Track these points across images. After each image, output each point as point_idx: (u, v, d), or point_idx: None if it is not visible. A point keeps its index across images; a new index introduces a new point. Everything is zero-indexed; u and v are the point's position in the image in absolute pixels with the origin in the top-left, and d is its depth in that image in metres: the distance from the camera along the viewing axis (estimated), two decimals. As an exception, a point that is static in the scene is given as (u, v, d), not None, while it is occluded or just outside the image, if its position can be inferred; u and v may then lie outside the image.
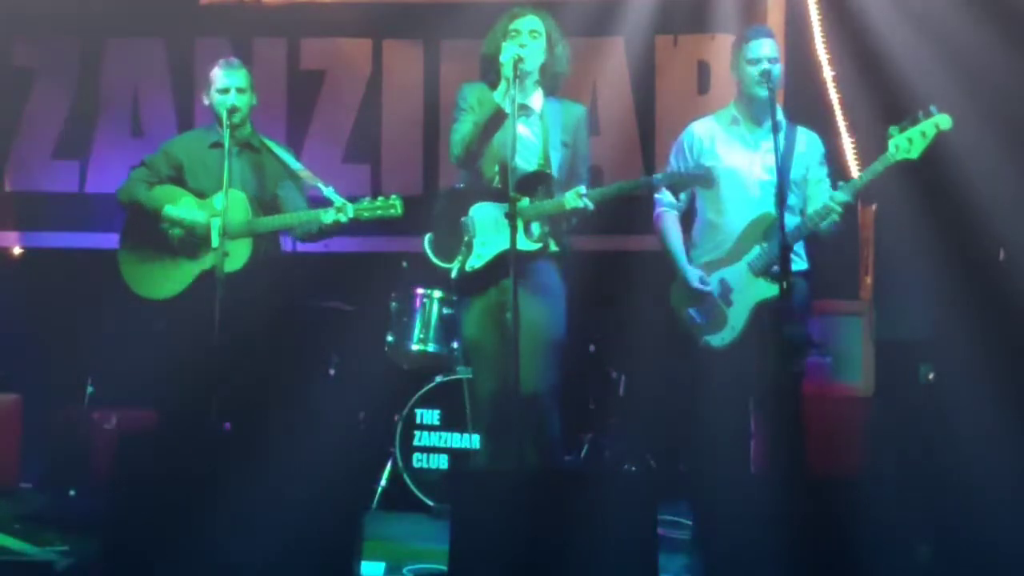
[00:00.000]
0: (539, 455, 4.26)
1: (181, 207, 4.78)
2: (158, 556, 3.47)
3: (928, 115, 4.25)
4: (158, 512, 3.51)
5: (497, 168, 4.37)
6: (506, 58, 4.22)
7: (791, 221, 4.36)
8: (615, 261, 5.94)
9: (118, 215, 5.05)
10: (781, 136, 4.35)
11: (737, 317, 4.42)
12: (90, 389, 5.86)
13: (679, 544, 4.61)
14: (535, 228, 4.33)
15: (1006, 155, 5.30)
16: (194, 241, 4.75)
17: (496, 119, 4.29)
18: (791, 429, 4.38)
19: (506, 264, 4.08)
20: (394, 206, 4.63)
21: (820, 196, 4.45)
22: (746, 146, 4.53)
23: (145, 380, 5.01)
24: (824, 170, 4.59)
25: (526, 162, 4.36)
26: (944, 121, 4.25)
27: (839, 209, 4.31)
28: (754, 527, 3.49)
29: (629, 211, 5.38)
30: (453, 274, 4.37)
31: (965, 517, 3.98)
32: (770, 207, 4.36)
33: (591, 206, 4.28)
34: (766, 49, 4.45)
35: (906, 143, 4.25)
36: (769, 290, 4.34)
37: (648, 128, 6.26)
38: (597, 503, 3.52)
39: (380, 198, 4.67)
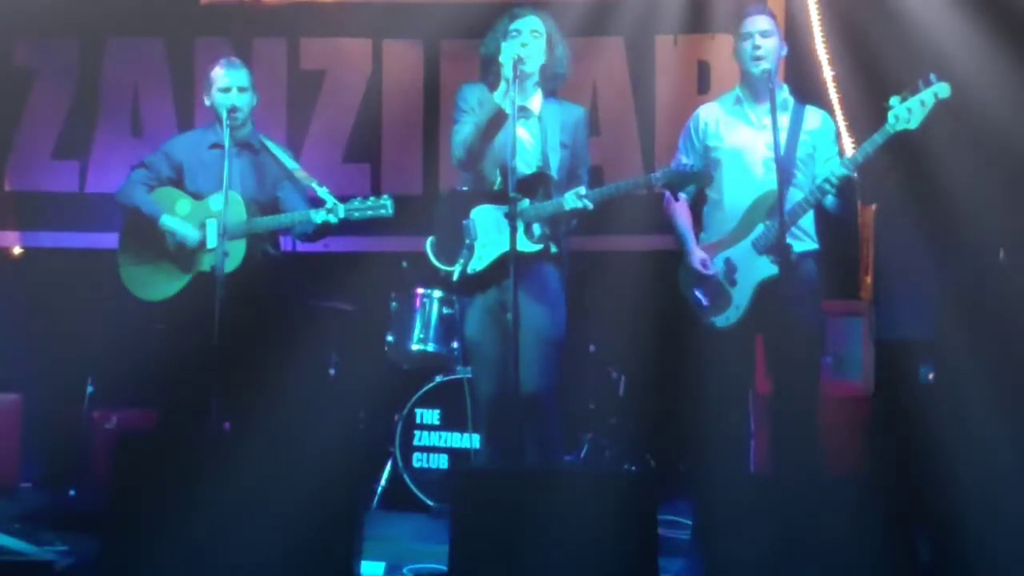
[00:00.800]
0: (539, 455, 4.26)
1: (177, 221, 4.79)
2: (158, 556, 3.47)
3: (928, 84, 4.22)
4: (158, 512, 3.51)
5: (498, 170, 4.37)
6: (506, 58, 4.22)
7: (796, 197, 4.34)
8: (615, 261, 5.94)
9: (117, 215, 5.05)
10: (784, 115, 4.34)
11: (741, 296, 4.40)
12: (90, 389, 5.86)
13: (679, 544, 4.61)
14: (536, 229, 4.33)
15: (1007, 154, 5.29)
16: (186, 253, 4.77)
17: (497, 120, 4.29)
18: (806, 425, 4.35)
19: (507, 265, 4.08)
20: (384, 206, 4.64)
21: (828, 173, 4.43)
22: (749, 125, 4.52)
23: (145, 380, 5.01)
24: (835, 148, 4.56)
25: (525, 164, 4.36)
26: (943, 89, 4.22)
27: (834, 185, 4.27)
28: (754, 527, 3.49)
29: (630, 211, 5.40)
30: (455, 277, 4.38)
31: (965, 517, 3.98)
32: (774, 185, 4.34)
33: (591, 207, 4.28)
34: (759, 23, 4.45)
35: (905, 113, 4.21)
36: (773, 268, 4.32)
37: (648, 128, 6.25)
38: (597, 503, 3.52)
39: (371, 198, 4.68)
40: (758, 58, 4.40)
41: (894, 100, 4.24)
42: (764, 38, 4.42)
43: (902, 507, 3.62)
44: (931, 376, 5.31)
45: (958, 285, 5.27)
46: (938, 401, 5.01)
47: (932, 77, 4.23)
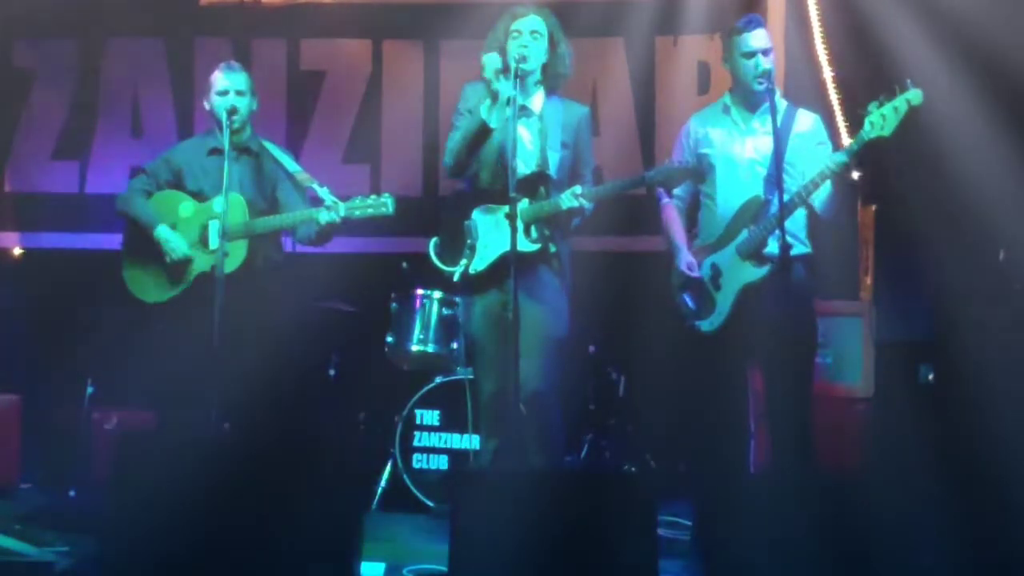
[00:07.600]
0: (540, 455, 4.26)
1: (170, 232, 4.78)
2: (158, 556, 3.47)
3: (903, 89, 4.17)
4: (158, 512, 3.51)
5: (499, 170, 4.37)
6: (507, 58, 4.22)
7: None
8: (616, 261, 5.94)
9: (117, 217, 5.05)
10: (778, 119, 4.32)
11: (724, 301, 4.41)
12: (90, 389, 5.86)
13: (679, 545, 4.61)
14: (535, 229, 4.34)
15: (1009, 152, 5.28)
16: (178, 266, 4.77)
17: (480, 133, 4.30)
18: (799, 424, 4.35)
19: (508, 265, 4.09)
20: (385, 204, 4.64)
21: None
22: (738, 131, 4.52)
23: (145, 380, 5.01)
24: (826, 149, 4.50)
25: (524, 164, 4.36)
26: (915, 96, 4.16)
27: (815, 187, 4.26)
28: (755, 527, 3.49)
29: (630, 211, 5.40)
30: (456, 277, 4.38)
31: (965, 518, 3.98)
32: (759, 191, 4.36)
33: (588, 206, 4.29)
34: (762, 40, 4.42)
35: (880, 120, 4.17)
36: (755, 273, 4.34)
37: (648, 128, 6.26)
38: (597, 504, 3.52)
39: (372, 196, 4.68)
40: (763, 77, 4.36)
41: (872, 106, 4.20)
42: (766, 56, 4.40)
43: (901, 508, 3.62)
44: (931, 376, 5.31)
45: (958, 285, 5.27)
46: (938, 401, 5.01)
47: (908, 82, 4.18)
